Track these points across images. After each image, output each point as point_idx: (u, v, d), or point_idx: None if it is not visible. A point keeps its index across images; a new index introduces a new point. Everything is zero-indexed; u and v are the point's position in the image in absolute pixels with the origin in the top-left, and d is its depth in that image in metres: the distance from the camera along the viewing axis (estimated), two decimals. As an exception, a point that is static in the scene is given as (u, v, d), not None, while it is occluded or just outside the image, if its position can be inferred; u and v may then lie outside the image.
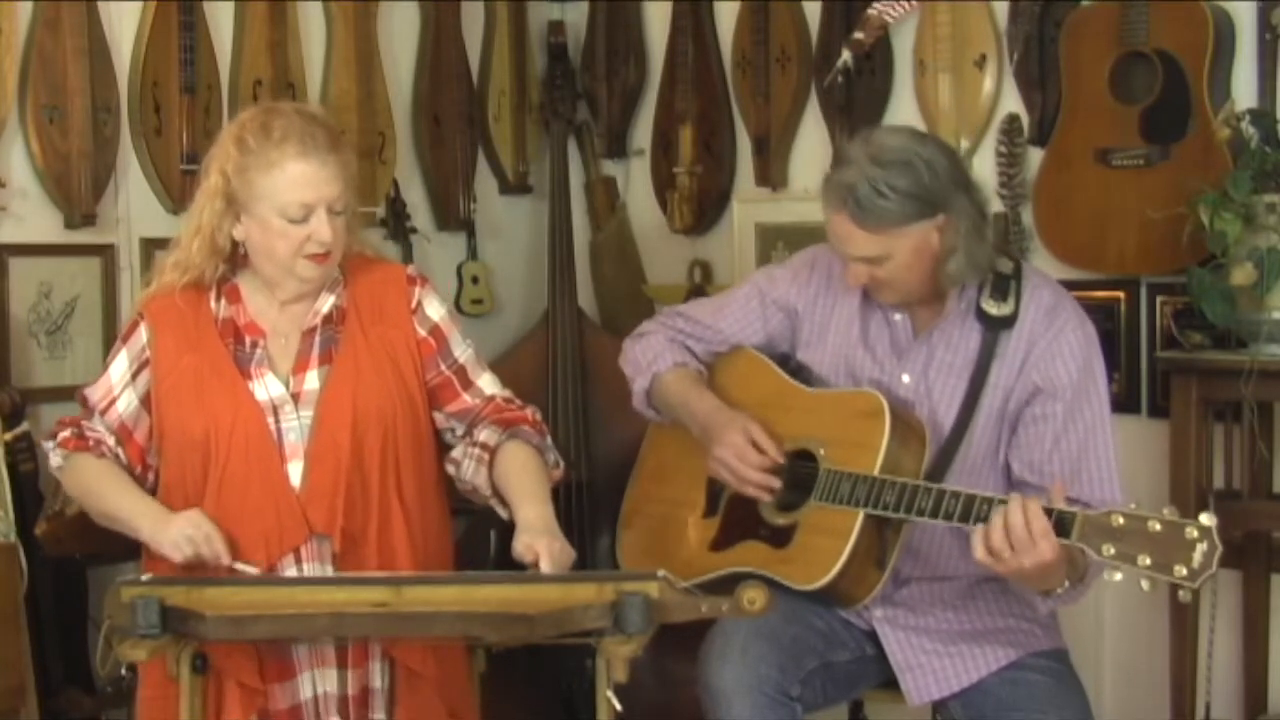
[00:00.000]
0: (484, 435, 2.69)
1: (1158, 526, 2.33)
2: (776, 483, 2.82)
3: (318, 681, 2.60)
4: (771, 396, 2.93)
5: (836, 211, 2.71)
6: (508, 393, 2.78)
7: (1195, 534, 2.31)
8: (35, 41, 3.56)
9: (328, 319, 2.67)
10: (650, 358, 3.04)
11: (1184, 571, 2.31)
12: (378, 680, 2.63)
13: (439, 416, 2.74)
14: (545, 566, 2.44)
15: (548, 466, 2.70)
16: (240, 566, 2.52)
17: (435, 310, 2.75)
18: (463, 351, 2.76)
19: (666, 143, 4.42)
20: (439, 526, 2.73)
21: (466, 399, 2.73)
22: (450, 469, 2.73)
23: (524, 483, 2.62)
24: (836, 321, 2.92)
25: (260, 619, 2.32)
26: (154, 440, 2.67)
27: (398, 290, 2.73)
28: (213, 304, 2.67)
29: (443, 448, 2.76)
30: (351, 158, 2.66)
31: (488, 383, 2.77)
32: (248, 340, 2.65)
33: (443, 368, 2.73)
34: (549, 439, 2.74)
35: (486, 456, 2.67)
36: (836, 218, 2.72)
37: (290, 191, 2.54)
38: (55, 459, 2.70)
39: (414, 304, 2.73)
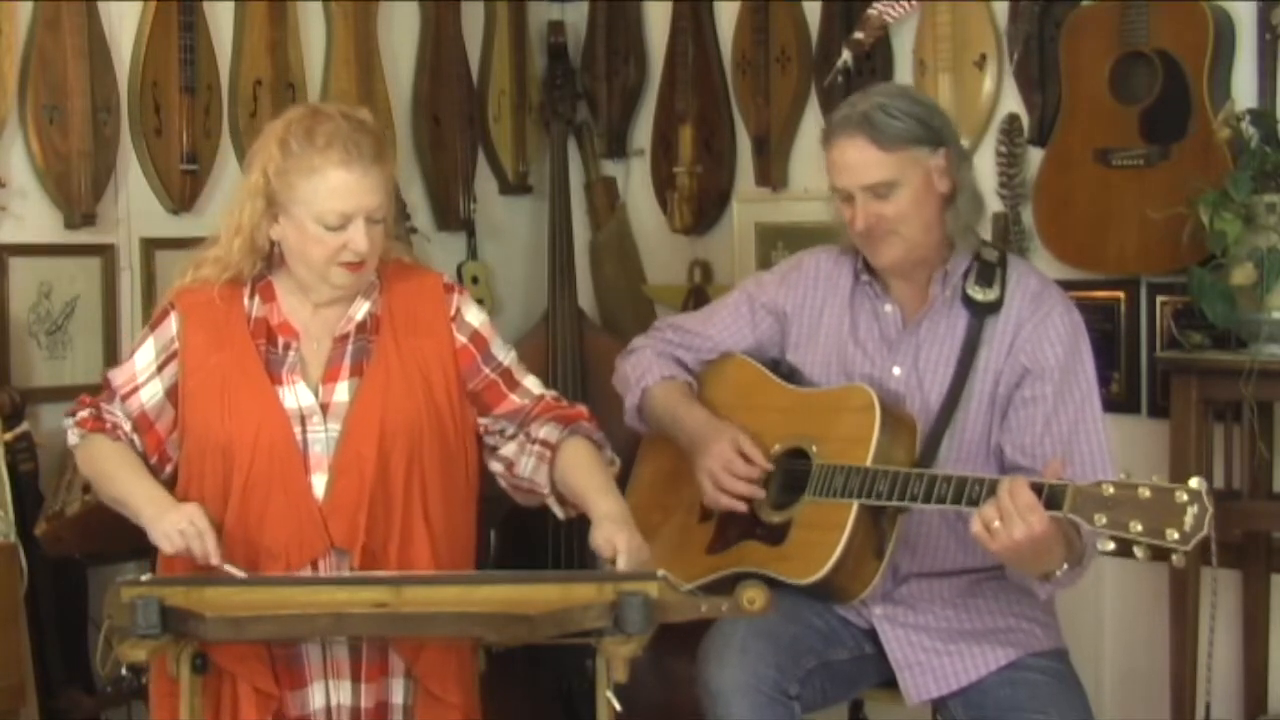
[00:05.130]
0: (544, 432, 2.68)
1: (1148, 493, 2.35)
2: (761, 493, 2.83)
3: (331, 692, 2.60)
4: (762, 399, 2.94)
5: (850, 137, 2.76)
6: (555, 393, 2.78)
7: (1185, 498, 2.32)
8: (35, 41, 3.57)
9: (361, 326, 2.65)
10: (639, 373, 3.06)
11: (1176, 535, 2.32)
12: (398, 696, 2.62)
13: (486, 421, 2.72)
14: (622, 561, 2.44)
15: (605, 462, 2.70)
16: (229, 568, 2.49)
17: (475, 317, 2.73)
18: (505, 355, 2.75)
19: (666, 143, 4.42)
20: (465, 545, 2.72)
21: (515, 399, 2.72)
22: (497, 467, 2.72)
23: (595, 476, 2.62)
24: (826, 320, 2.93)
25: (260, 619, 2.32)
26: (176, 434, 2.65)
27: (435, 298, 2.71)
28: (246, 301, 2.64)
29: (487, 450, 2.74)
30: (395, 167, 2.63)
31: (534, 384, 2.76)
32: (280, 341, 2.63)
33: (486, 371, 2.71)
34: (604, 435, 2.74)
35: (548, 454, 2.66)
36: (849, 144, 2.76)
37: (329, 199, 2.52)
38: (72, 437, 2.69)
39: (453, 311, 2.71)
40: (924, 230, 2.78)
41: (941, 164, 2.77)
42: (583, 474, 2.62)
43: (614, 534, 2.48)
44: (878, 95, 2.79)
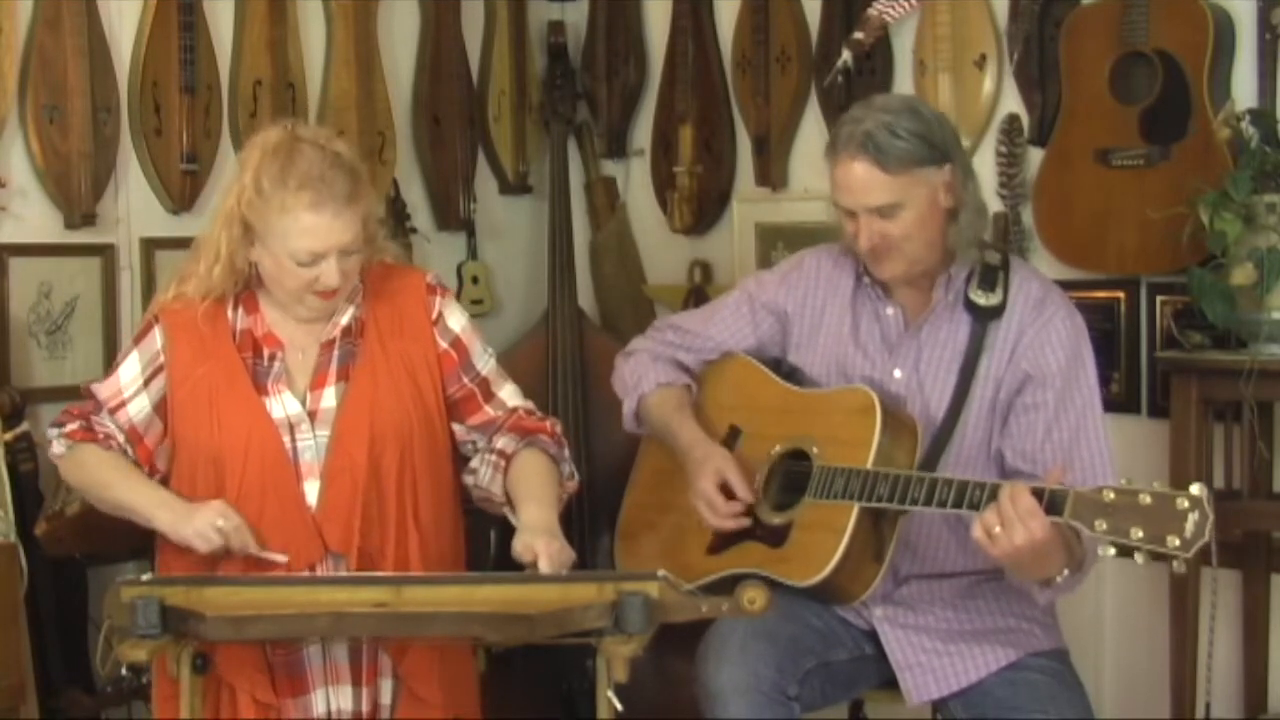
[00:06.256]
0: (501, 443, 2.70)
1: (1148, 499, 2.34)
2: (746, 523, 2.84)
3: (331, 698, 2.60)
4: (763, 399, 2.95)
5: (855, 158, 2.72)
6: (529, 404, 2.79)
7: (1186, 504, 2.32)
8: (35, 41, 3.56)
9: (346, 331, 2.66)
10: (636, 379, 3.06)
11: (1176, 542, 2.32)
12: (387, 696, 2.63)
13: (460, 429, 2.73)
14: (544, 566, 2.44)
15: (562, 477, 2.70)
16: (269, 555, 2.53)
17: (456, 321, 2.74)
18: (485, 363, 2.75)
19: (666, 143, 4.42)
20: (454, 543, 2.73)
21: (489, 411, 2.73)
22: (468, 479, 2.73)
23: (532, 485, 2.63)
24: (827, 321, 2.93)
25: (260, 619, 2.32)
26: (166, 446, 2.66)
27: (417, 301, 2.71)
28: (229, 313, 2.65)
29: (461, 460, 2.75)
30: (372, 192, 2.63)
31: (509, 394, 2.77)
32: (266, 352, 2.63)
33: (465, 380, 2.72)
34: (567, 451, 2.74)
35: (503, 463, 2.67)
36: (855, 165, 2.72)
37: (300, 239, 2.52)
38: (58, 447, 2.68)
39: (435, 315, 2.71)
40: (927, 247, 2.77)
41: (947, 180, 2.75)
42: (522, 483, 2.64)
43: (533, 540, 2.48)
44: (882, 112, 2.74)
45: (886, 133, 2.70)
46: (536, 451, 2.68)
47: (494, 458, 2.68)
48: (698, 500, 2.87)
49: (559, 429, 2.76)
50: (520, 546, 2.49)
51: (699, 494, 2.86)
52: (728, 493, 2.85)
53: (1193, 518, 2.31)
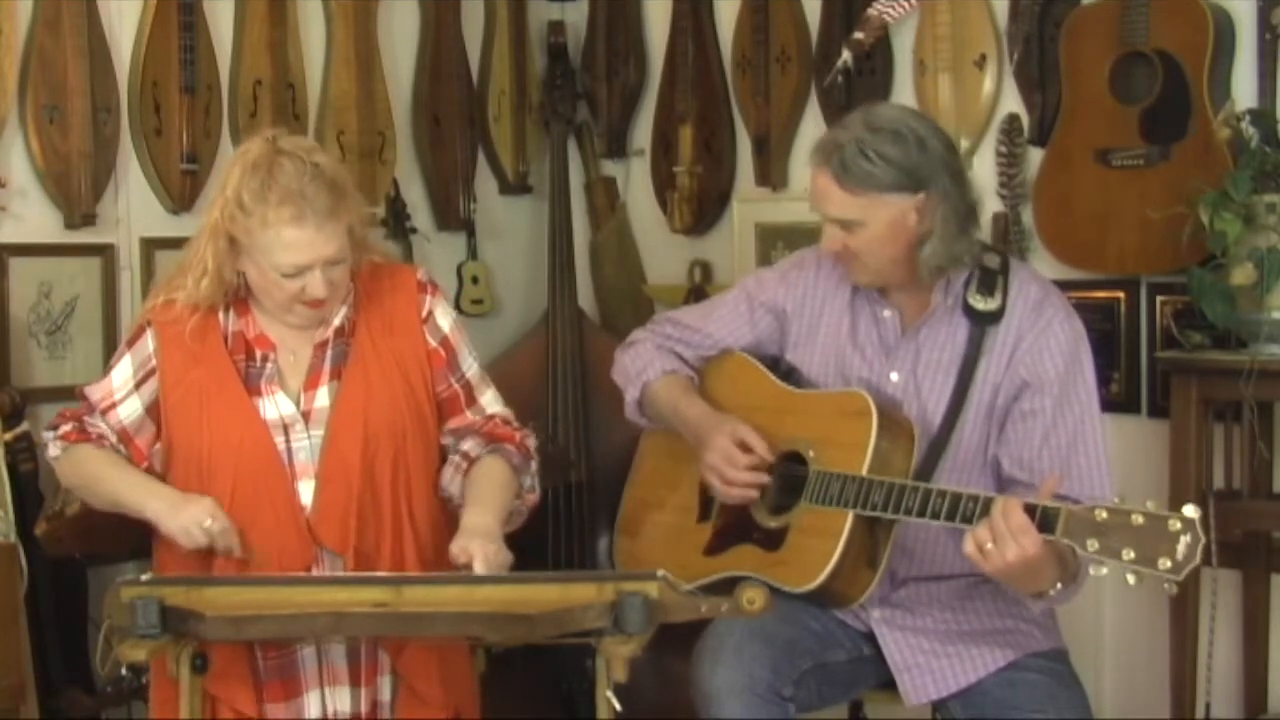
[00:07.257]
0: (468, 445, 2.71)
1: (1141, 520, 2.33)
2: (765, 478, 2.82)
3: (328, 700, 2.60)
4: (760, 399, 2.94)
5: (820, 168, 2.75)
6: (508, 412, 2.79)
7: (1178, 526, 2.30)
8: (35, 41, 3.57)
9: (339, 331, 2.66)
10: (639, 367, 3.05)
11: (1168, 564, 2.30)
12: (386, 694, 2.63)
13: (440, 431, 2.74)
14: (479, 569, 2.45)
15: (521, 489, 2.70)
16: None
17: (445, 320, 2.74)
18: (469, 366, 2.76)
19: (666, 143, 4.42)
20: (447, 541, 2.72)
21: (468, 415, 2.74)
22: (442, 480, 2.74)
23: (481, 489, 2.63)
24: (826, 321, 2.93)
25: (260, 619, 2.32)
26: (160, 449, 2.66)
27: (408, 299, 2.72)
28: (221, 316, 2.65)
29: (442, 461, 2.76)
30: (358, 201, 2.62)
31: (490, 400, 2.77)
32: (258, 354, 2.64)
33: (451, 381, 2.73)
34: (533, 465, 2.74)
35: (465, 465, 2.68)
36: (820, 174, 2.75)
37: (283, 254, 2.52)
38: (54, 450, 2.69)
39: (425, 313, 2.72)
40: (890, 263, 2.76)
41: (918, 205, 2.71)
42: (473, 487, 2.64)
43: (468, 543, 2.48)
44: (865, 129, 2.71)
45: (856, 151, 2.69)
46: (499, 459, 2.69)
47: (458, 459, 2.69)
48: (714, 460, 2.83)
49: (530, 442, 2.76)
50: (456, 549, 2.50)
51: (715, 450, 2.82)
52: (745, 451, 2.83)
53: (1185, 540, 2.29)
